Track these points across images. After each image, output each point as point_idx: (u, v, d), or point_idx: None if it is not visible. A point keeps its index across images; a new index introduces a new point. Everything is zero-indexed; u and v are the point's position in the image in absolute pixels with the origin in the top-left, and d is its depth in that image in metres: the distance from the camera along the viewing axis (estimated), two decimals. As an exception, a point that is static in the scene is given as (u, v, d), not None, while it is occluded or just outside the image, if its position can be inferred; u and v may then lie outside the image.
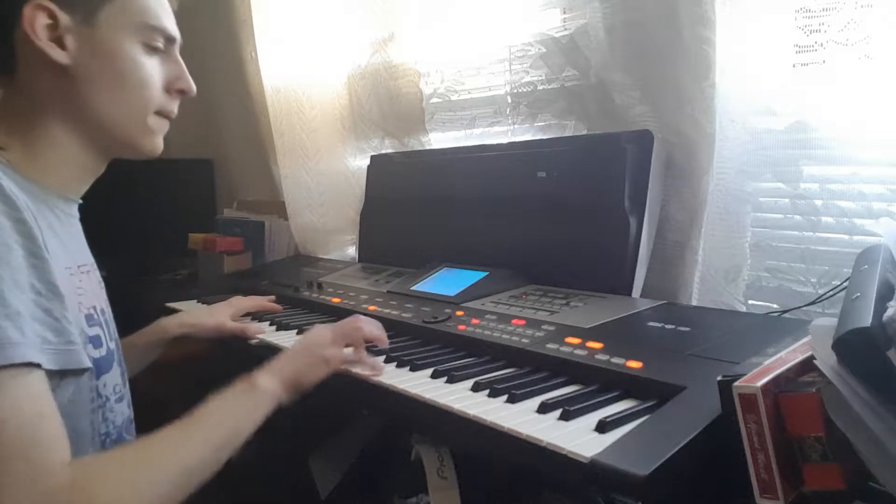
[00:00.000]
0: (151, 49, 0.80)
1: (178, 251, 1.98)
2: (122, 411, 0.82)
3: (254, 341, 1.07)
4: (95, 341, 0.76)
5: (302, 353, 0.85)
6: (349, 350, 0.87)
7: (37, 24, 0.71)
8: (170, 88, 0.83)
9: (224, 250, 1.79)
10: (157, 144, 0.83)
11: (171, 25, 0.82)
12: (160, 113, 0.82)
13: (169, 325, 1.09)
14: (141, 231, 2.13)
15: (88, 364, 0.68)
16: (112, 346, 0.81)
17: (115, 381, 0.81)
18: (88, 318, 0.76)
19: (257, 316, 1.21)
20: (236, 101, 2.12)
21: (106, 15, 0.76)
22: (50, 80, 0.74)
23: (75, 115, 0.77)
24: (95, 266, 0.86)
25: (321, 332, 0.89)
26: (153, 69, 0.80)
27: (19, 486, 0.56)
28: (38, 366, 0.60)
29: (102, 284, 0.86)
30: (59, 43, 0.73)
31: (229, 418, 0.73)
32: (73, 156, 0.78)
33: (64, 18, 0.73)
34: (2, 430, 0.56)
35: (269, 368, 0.81)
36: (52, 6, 0.72)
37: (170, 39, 0.82)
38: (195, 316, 1.15)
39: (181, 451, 0.67)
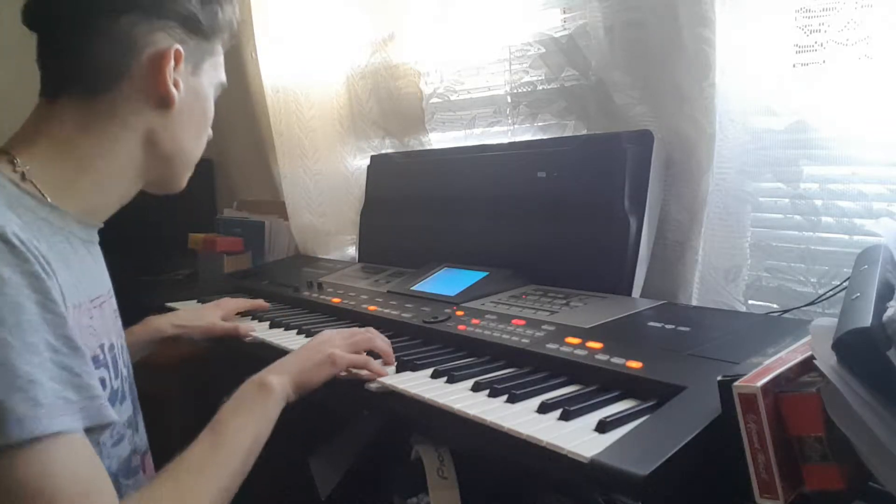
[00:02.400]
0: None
1: (178, 251, 1.97)
2: (119, 454, 0.77)
3: (247, 339, 1.07)
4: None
5: (310, 352, 0.86)
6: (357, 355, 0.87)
7: (169, 65, 0.75)
8: None
9: (224, 250, 1.79)
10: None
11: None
12: None
13: (161, 325, 1.09)
14: (141, 231, 2.13)
15: (115, 417, 0.65)
16: (117, 384, 0.77)
17: (121, 416, 0.76)
18: (94, 359, 0.71)
19: (248, 315, 1.21)
20: (236, 101, 2.12)
21: (205, 67, 0.82)
22: (149, 112, 0.76)
23: (156, 147, 0.78)
24: (112, 293, 0.82)
25: (331, 334, 0.90)
26: None
27: None
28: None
29: (117, 314, 0.83)
30: (175, 84, 0.77)
31: (250, 426, 0.74)
32: (120, 183, 0.77)
33: (183, 66, 0.77)
34: (53, 495, 0.55)
35: (277, 367, 0.82)
36: (183, 54, 0.76)
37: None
38: (185, 317, 1.14)
39: (215, 475, 0.68)
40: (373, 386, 0.82)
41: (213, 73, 0.83)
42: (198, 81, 0.80)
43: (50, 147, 0.72)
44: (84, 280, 0.74)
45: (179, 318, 1.13)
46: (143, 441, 0.83)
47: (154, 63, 0.74)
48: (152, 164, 0.79)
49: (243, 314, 1.22)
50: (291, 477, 1.23)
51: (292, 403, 0.80)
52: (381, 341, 0.90)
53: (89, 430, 0.63)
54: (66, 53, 0.73)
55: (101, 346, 0.75)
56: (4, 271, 0.57)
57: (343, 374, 0.85)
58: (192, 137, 0.82)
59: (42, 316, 0.59)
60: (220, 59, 0.85)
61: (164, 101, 0.76)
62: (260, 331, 1.11)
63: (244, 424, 0.73)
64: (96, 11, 0.72)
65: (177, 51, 0.75)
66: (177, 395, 1.46)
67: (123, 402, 0.79)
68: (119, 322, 0.83)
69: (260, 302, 1.27)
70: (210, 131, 0.88)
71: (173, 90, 0.75)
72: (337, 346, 0.86)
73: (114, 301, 0.83)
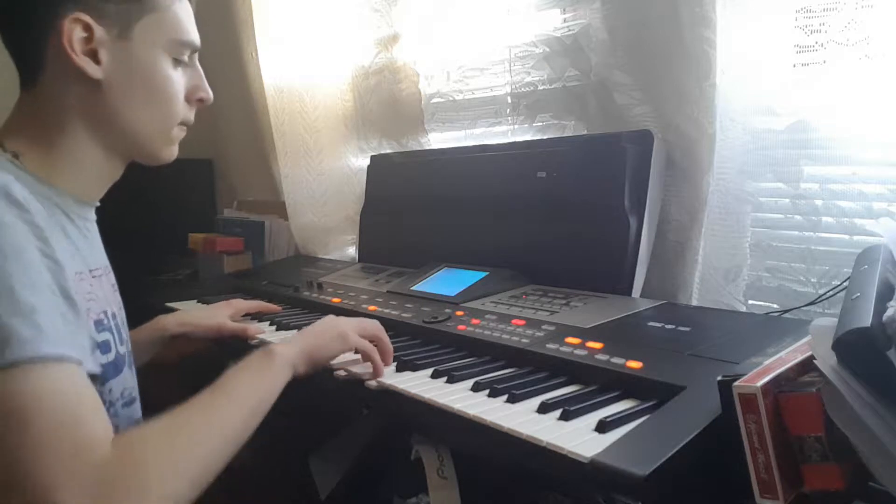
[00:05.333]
0: (178, 62, 0.80)
1: (178, 251, 1.98)
2: (131, 415, 0.81)
3: (254, 341, 1.07)
4: (104, 347, 0.75)
5: (321, 327, 0.87)
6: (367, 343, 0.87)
7: (73, 38, 0.71)
8: (190, 98, 0.83)
9: (224, 250, 1.79)
10: (175, 153, 0.85)
11: (196, 37, 0.82)
12: (182, 123, 0.83)
13: (168, 323, 1.09)
14: (141, 231, 2.13)
15: (97, 370, 0.68)
16: (123, 350, 0.80)
17: (123, 384, 0.79)
18: (97, 323, 0.75)
19: (257, 317, 1.21)
20: (237, 101, 2.12)
21: (140, 28, 0.75)
22: (79, 92, 0.74)
23: (102, 126, 0.76)
24: (109, 269, 0.85)
25: (340, 317, 0.91)
26: (180, 82, 0.81)
27: (65, 462, 0.55)
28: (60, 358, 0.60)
29: (116, 287, 0.85)
30: (94, 56, 0.73)
31: (255, 388, 0.74)
32: (93, 164, 0.78)
33: (99, 31, 0.72)
34: (41, 409, 0.56)
35: (287, 340, 0.82)
36: (89, 19, 0.71)
37: (194, 50, 0.83)
38: (195, 316, 1.14)
39: (218, 421, 0.67)
40: (372, 384, 0.82)
41: (158, 32, 0.76)
42: (129, 46, 0.74)
43: (30, 137, 0.74)
44: (82, 252, 0.76)
45: (187, 316, 1.13)
46: (138, 414, 0.84)
47: (59, 43, 0.71)
48: (112, 139, 0.78)
49: (252, 316, 1.21)
50: (291, 477, 1.23)
51: (301, 377, 0.80)
52: (387, 338, 0.90)
53: None
54: (11, 51, 0.75)
55: (104, 312, 0.77)
56: (7, 218, 0.61)
57: (342, 373, 0.85)
58: (140, 106, 0.77)
59: (42, 261, 0.62)
60: (169, 14, 0.78)
61: (84, 76, 0.72)
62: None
63: (247, 380, 0.74)
64: (16, 7, 0.72)
65: (78, 21, 0.71)
66: (177, 395, 1.45)
67: (131, 368, 0.83)
68: (118, 296, 0.85)
69: (271, 305, 1.26)
70: (208, 93, 0.84)
71: (83, 63, 0.71)
72: (347, 325, 0.87)
73: (112, 276, 0.85)
